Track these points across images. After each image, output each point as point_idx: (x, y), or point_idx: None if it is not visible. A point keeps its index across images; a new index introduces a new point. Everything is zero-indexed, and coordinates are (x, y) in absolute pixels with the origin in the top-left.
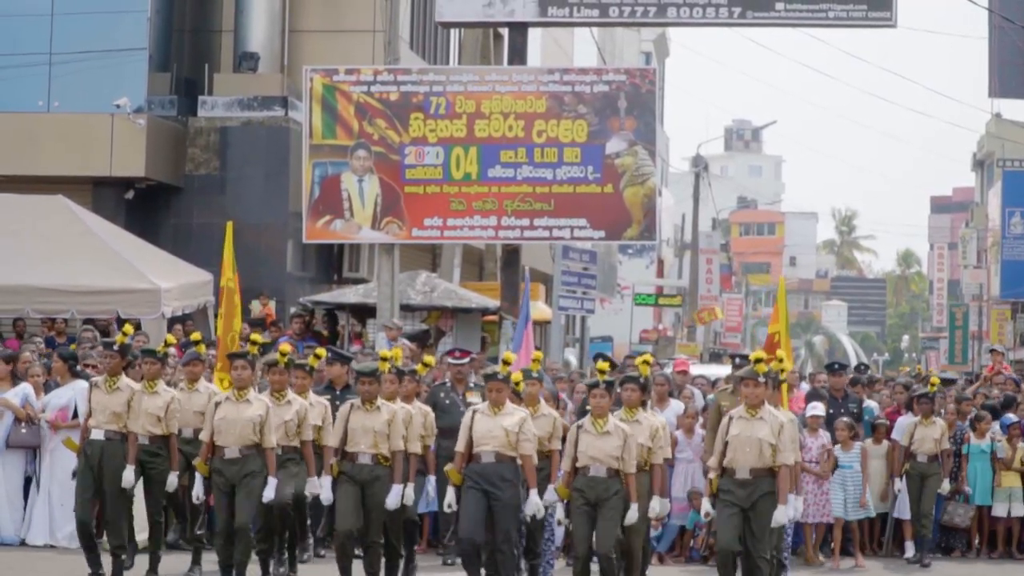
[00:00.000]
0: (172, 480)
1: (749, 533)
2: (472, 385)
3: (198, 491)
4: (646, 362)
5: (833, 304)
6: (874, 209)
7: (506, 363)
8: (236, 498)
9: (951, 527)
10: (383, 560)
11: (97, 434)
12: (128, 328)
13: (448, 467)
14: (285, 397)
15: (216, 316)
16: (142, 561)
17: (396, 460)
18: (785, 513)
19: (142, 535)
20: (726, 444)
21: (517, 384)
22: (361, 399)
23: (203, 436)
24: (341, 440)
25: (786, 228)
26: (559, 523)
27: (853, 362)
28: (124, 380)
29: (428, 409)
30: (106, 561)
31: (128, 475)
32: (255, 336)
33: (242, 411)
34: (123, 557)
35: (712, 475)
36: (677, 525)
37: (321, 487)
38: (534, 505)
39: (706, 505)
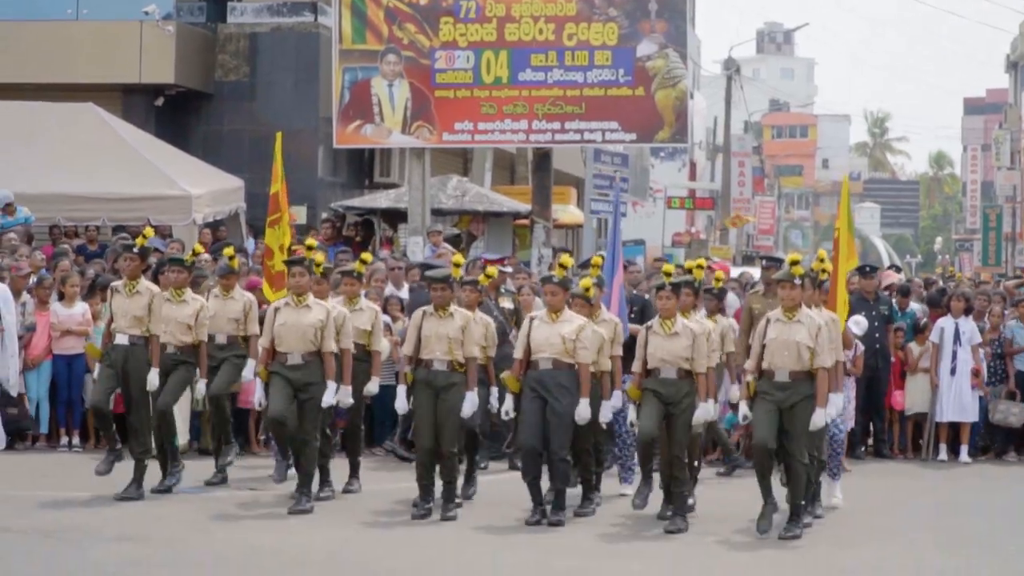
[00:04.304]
0: (201, 388)
1: (786, 436)
2: (503, 291)
3: (260, 397)
4: (700, 266)
5: (866, 206)
6: (907, 111)
7: (562, 267)
8: (300, 407)
9: (1005, 427)
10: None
11: (121, 339)
12: (149, 231)
13: (506, 374)
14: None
15: (265, 225)
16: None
17: (470, 367)
18: (825, 415)
19: (182, 440)
20: (763, 347)
21: (587, 290)
22: (434, 306)
23: (263, 343)
24: (415, 347)
25: (818, 130)
26: (631, 425)
27: (886, 263)
28: (144, 283)
29: (489, 320)
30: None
31: (153, 378)
32: (310, 242)
33: (302, 317)
34: (145, 463)
35: (749, 378)
36: None
37: (398, 396)
38: (583, 413)
39: (743, 408)
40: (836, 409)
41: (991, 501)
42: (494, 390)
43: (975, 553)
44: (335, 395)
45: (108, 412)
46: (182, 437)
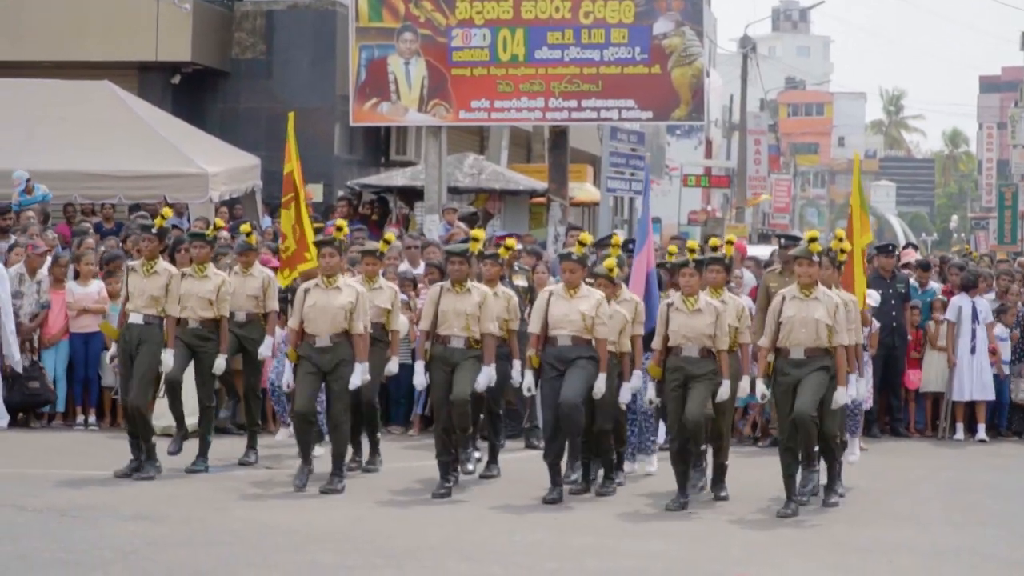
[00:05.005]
0: (220, 363)
1: (797, 397)
2: (516, 268)
3: (288, 379)
4: (730, 242)
5: (882, 184)
6: (922, 89)
7: (581, 244)
8: (329, 390)
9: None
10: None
11: (135, 318)
12: (167, 211)
13: (529, 352)
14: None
15: (279, 206)
16: (191, 446)
17: (487, 343)
18: (845, 394)
19: (192, 419)
20: (779, 325)
21: (611, 270)
22: (451, 281)
23: (292, 323)
24: (432, 323)
25: (834, 108)
26: (649, 402)
27: (902, 241)
28: (162, 263)
29: (511, 293)
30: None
31: (167, 358)
32: (340, 222)
33: (332, 299)
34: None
35: (769, 357)
36: None
37: (415, 372)
38: (600, 387)
39: (761, 387)
40: (857, 391)
41: (1008, 480)
42: (516, 363)
43: (991, 532)
44: (359, 376)
45: (179, 386)
46: (191, 416)
